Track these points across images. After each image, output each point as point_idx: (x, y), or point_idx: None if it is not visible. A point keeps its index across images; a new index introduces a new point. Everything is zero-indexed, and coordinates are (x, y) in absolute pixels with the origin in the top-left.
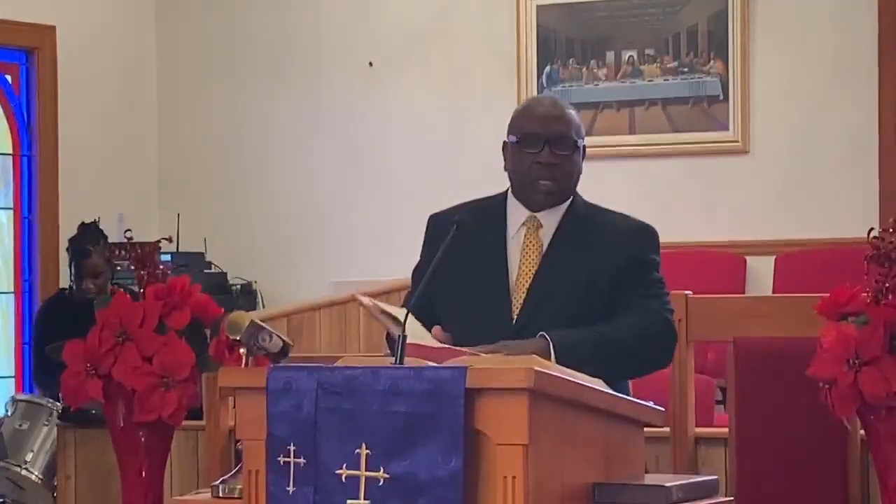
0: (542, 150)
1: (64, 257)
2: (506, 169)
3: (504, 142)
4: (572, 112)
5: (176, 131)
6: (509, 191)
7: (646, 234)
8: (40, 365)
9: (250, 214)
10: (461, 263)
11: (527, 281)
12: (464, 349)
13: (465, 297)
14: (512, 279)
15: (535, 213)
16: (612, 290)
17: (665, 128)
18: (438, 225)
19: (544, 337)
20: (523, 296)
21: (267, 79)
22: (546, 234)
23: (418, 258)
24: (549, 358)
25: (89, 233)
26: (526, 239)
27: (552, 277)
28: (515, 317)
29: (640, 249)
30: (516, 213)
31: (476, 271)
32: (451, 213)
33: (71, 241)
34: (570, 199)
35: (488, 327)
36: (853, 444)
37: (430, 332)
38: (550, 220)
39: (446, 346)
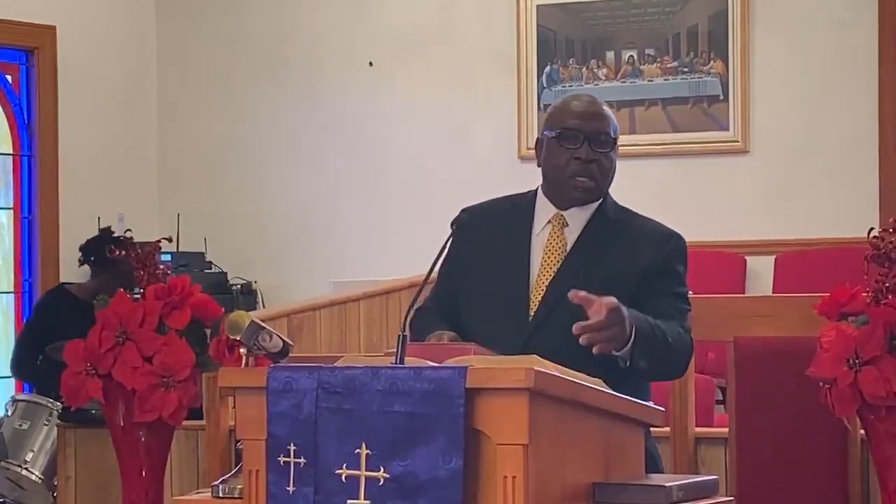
0: (582, 146)
1: (64, 257)
2: (539, 165)
3: (538, 138)
4: (609, 110)
5: (176, 131)
6: (540, 188)
7: (673, 241)
8: (27, 356)
9: (250, 214)
10: (485, 259)
11: (546, 278)
12: (468, 345)
13: (485, 291)
14: (533, 276)
15: (563, 212)
16: (633, 295)
17: (665, 128)
18: (465, 219)
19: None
20: (542, 293)
21: (267, 79)
22: (571, 233)
23: (422, 256)
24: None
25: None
26: (550, 237)
27: (572, 277)
28: (532, 314)
29: (665, 257)
30: (544, 211)
31: (497, 267)
32: (483, 207)
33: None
34: (600, 199)
35: (505, 323)
36: (853, 444)
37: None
38: (577, 219)
39: (451, 343)
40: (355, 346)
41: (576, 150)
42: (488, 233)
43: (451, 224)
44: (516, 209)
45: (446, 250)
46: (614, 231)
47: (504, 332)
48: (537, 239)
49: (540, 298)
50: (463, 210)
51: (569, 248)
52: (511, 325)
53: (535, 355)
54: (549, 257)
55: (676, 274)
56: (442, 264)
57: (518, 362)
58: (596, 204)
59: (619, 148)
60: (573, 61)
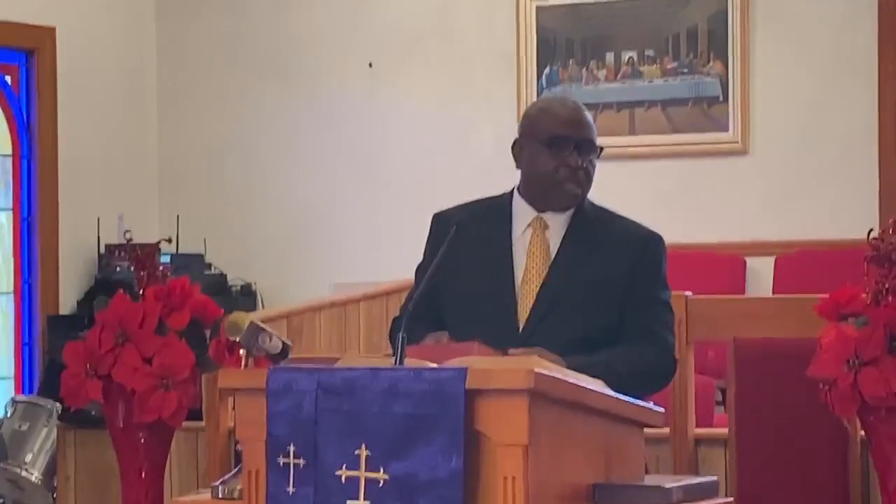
0: (572, 153)
1: (63, 257)
2: (519, 167)
3: (516, 140)
4: (590, 116)
5: (176, 131)
6: (515, 190)
7: (655, 244)
8: None
9: (250, 214)
10: (465, 262)
11: (533, 284)
12: (471, 344)
13: (469, 297)
14: (518, 280)
15: (542, 214)
16: (621, 301)
17: (665, 128)
18: (442, 224)
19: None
20: (530, 300)
21: (267, 79)
22: (553, 235)
23: (421, 257)
24: None
25: None
26: (532, 239)
27: (561, 285)
28: (523, 323)
29: (649, 260)
30: (522, 213)
31: (480, 271)
32: (455, 211)
33: None
34: None
35: (492, 328)
36: (853, 444)
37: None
38: (557, 221)
39: (454, 343)
40: (355, 346)
41: (566, 157)
42: (467, 236)
43: (444, 225)
44: (492, 212)
45: (429, 252)
46: (597, 233)
47: (492, 335)
48: (519, 242)
49: (529, 306)
50: (436, 214)
51: (552, 250)
52: (500, 331)
53: (535, 356)
54: (533, 261)
55: (660, 278)
56: (420, 272)
57: (518, 363)
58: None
59: (619, 149)
60: (573, 62)
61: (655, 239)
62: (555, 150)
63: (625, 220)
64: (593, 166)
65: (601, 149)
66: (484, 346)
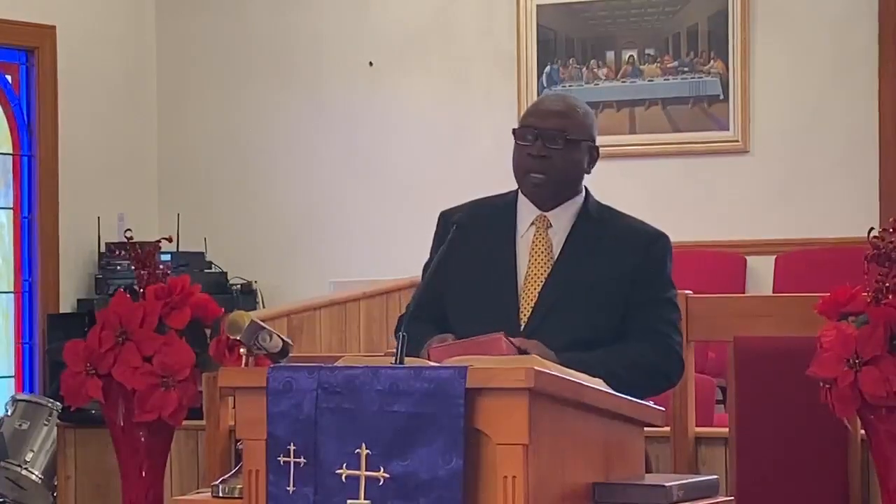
0: (535, 142)
1: (64, 256)
2: None
3: None
4: (581, 111)
5: (176, 131)
6: (520, 189)
7: (661, 242)
8: None
9: (250, 214)
10: (469, 260)
11: (536, 283)
12: (496, 335)
13: (472, 295)
14: (520, 279)
15: (546, 213)
16: (624, 300)
17: (665, 127)
18: (449, 222)
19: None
20: (532, 300)
21: (267, 78)
22: (556, 235)
23: (422, 256)
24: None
25: None
26: (535, 238)
27: (563, 284)
28: (525, 321)
29: (654, 258)
30: (526, 212)
31: (484, 270)
32: (461, 210)
33: None
34: (581, 199)
35: (494, 327)
36: (853, 444)
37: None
38: (560, 219)
39: (481, 337)
40: (355, 346)
41: (528, 146)
42: (472, 235)
43: (449, 224)
44: (497, 210)
45: (435, 250)
46: (600, 232)
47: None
48: (522, 241)
49: (531, 305)
50: (443, 212)
51: (555, 249)
52: (501, 329)
53: (535, 356)
54: (535, 260)
55: (665, 276)
56: (429, 265)
57: (518, 362)
58: (578, 204)
59: (619, 148)
60: (573, 61)
61: (660, 238)
62: (520, 139)
63: (630, 219)
64: (564, 157)
65: (569, 138)
66: (508, 340)
